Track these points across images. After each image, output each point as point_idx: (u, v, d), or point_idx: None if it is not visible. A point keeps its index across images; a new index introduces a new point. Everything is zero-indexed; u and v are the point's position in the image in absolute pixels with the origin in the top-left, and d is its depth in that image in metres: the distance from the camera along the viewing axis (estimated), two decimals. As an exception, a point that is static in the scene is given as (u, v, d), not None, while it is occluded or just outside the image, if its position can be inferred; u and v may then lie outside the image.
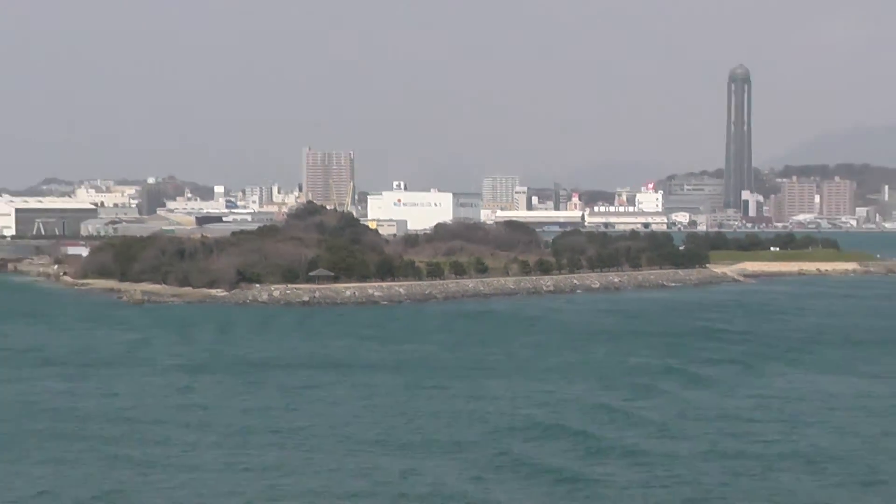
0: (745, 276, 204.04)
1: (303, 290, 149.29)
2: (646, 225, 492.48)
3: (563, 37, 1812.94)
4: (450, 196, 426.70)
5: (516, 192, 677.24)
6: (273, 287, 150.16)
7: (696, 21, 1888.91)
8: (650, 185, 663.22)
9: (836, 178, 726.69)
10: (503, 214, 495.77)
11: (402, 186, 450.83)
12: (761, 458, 55.25)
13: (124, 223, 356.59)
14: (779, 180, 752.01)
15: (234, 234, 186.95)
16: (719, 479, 51.12)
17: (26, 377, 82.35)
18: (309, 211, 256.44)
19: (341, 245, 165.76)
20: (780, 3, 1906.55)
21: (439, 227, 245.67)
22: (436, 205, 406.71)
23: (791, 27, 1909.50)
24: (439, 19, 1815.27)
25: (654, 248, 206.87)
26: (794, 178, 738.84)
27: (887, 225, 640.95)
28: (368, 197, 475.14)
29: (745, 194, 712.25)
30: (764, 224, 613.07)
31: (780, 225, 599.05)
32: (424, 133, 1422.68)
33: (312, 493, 48.80)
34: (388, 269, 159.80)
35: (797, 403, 71.58)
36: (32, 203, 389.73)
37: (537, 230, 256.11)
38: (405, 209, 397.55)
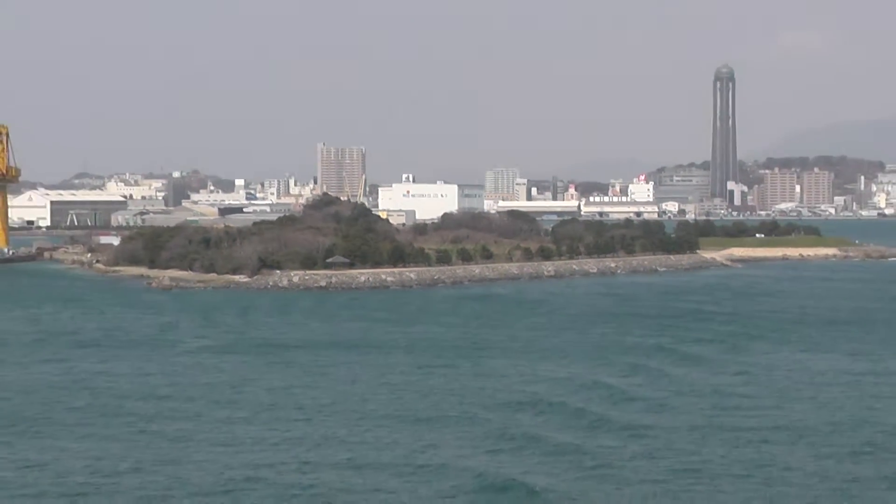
0: (733, 260, 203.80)
1: (320, 276, 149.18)
2: (638, 214, 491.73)
3: (559, 40, 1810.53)
4: (455, 187, 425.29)
5: (517, 184, 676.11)
6: (293, 273, 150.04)
7: (683, 25, 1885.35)
8: (642, 177, 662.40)
9: (816, 170, 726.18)
10: (505, 204, 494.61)
11: (411, 179, 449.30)
12: (755, 431, 55.11)
13: (151, 214, 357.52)
14: (762, 171, 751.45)
15: (255, 223, 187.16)
16: (718, 451, 51.03)
17: (65, 358, 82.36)
18: (325, 202, 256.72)
19: (356, 233, 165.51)
20: (761, 8, 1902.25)
21: (446, 217, 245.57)
22: (442, 196, 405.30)
23: (771, 30, 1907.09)
24: (444, 30, 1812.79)
25: (647, 235, 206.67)
26: (776, 169, 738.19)
27: (863, 213, 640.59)
28: (379, 188, 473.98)
29: (731, 185, 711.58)
30: (748, 212, 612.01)
31: (763, 213, 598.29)
32: (431, 130, 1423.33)
33: (339, 466, 48.76)
34: (399, 256, 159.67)
35: (785, 380, 71.43)
36: (66, 196, 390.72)
37: (537, 219, 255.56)
38: (414, 200, 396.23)
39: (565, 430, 55.41)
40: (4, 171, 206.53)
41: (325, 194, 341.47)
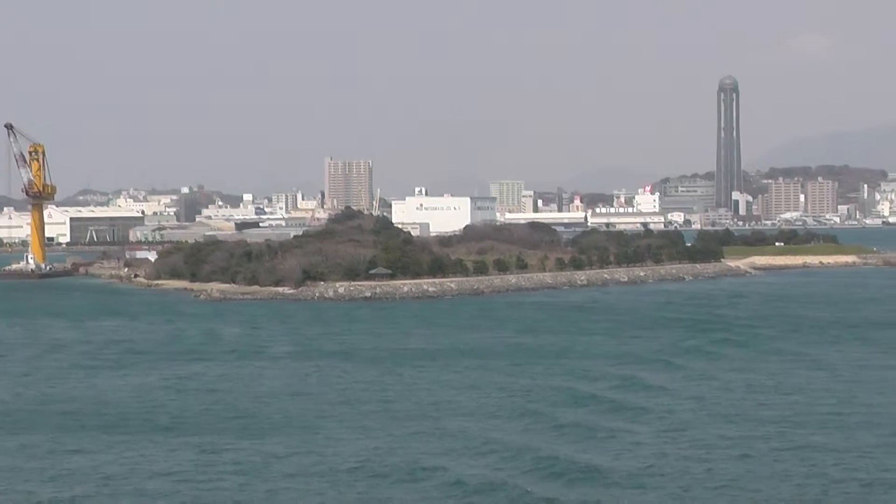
0: (755, 268, 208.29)
1: (364, 287, 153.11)
2: (644, 224, 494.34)
3: (560, 52, 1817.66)
4: (468, 200, 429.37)
5: (522, 196, 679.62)
6: (337, 284, 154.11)
7: (687, 37, 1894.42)
8: (648, 188, 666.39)
9: (819, 179, 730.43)
10: (512, 216, 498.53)
11: (424, 192, 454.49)
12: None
13: (169, 230, 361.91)
14: (764, 181, 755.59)
15: (296, 237, 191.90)
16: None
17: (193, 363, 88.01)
18: (347, 215, 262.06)
19: (396, 245, 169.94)
20: (764, 21, 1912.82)
21: (468, 229, 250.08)
22: (455, 209, 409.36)
23: (774, 42, 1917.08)
24: (445, 45, 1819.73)
25: (669, 244, 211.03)
26: (780, 178, 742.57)
27: (868, 221, 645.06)
28: (393, 202, 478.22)
29: (735, 194, 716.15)
30: (753, 222, 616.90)
31: (768, 223, 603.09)
32: (432, 143, 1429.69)
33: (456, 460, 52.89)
34: (439, 267, 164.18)
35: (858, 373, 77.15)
36: (85, 212, 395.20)
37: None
38: (427, 213, 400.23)
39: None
40: (41, 189, 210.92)
41: (347, 208, 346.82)
